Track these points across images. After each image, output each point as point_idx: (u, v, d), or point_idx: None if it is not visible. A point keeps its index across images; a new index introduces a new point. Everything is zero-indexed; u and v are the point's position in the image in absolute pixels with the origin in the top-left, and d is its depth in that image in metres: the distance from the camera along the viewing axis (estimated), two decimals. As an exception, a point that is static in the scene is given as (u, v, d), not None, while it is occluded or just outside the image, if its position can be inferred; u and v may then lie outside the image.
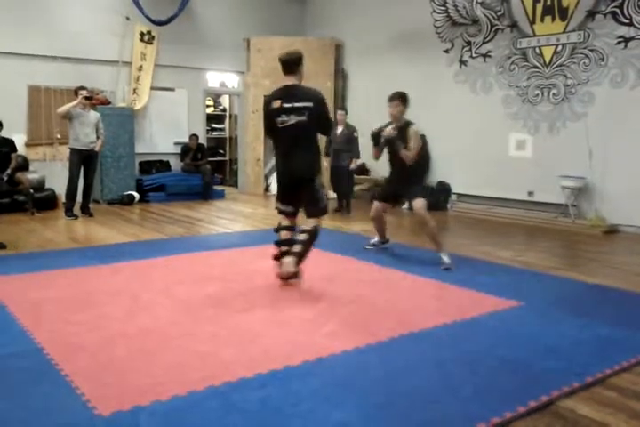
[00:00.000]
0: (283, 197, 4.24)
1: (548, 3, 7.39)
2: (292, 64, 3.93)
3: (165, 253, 5.25)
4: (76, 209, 7.39)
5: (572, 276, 4.64)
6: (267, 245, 5.72)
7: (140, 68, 9.31)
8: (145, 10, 8.73)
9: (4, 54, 8.06)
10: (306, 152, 4.01)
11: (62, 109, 7.16)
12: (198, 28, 9.86)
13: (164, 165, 9.70)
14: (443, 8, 8.67)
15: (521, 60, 7.78)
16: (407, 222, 7.72)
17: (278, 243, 4.20)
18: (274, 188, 10.11)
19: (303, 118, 3.88)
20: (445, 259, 4.79)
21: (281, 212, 4.26)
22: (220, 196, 9.77)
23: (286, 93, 3.97)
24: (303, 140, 3.98)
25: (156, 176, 9.34)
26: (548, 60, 7.50)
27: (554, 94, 7.46)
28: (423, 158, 5.36)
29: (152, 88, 9.45)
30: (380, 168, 9.69)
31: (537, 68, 7.61)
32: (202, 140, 10.04)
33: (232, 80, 10.72)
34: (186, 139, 9.68)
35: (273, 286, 4.20)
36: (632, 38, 6.67)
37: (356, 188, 9.25)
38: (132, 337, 3.11)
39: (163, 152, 9.76)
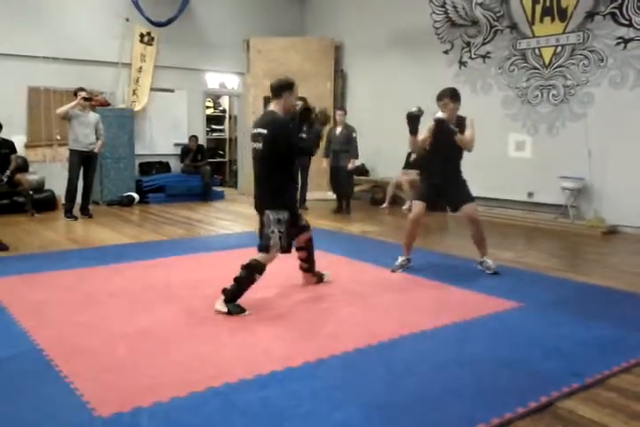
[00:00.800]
0: None
1: (548, 4, 7.39)
2: (273, 89, 3.75)
3: (165, 254, 5.25)
4: (76, 210, 7.39)
5: (571, 277, 4.64)
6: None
7: (140, 70, 9.31)
8: (144, 11, 8.75)
9: (4, 55, 8.06)
10: (263, 182, 3.76)
11: (61, 110, 7.18)
12: (198, 30, 9.87)
13: (164, 167, 9.70)
14: (442, 9, 8.68)
15: (520, 61, 7.79)
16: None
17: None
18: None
19: (259, 146, 3.68)
20: (491, 263, 4.69)
21: None
22: (220, 197, 9.78)
23: (258, 119, 3.89)
24: (261, 169, 3.75)
25: (156, 177, 9.34)
26: (547, 61, 7.50)
27: (553, 95, 7.47)
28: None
29: (152, 89, 9.45)
30: (380, 169, 9.73)
31: (536, 68, 7.62)
32: (201, 141, 10.05)
33: (232, 81, 10.72)
34: (186, 140, 9.68)
35: (272, 287, 4.20)
36: (631, 39, 6.68)
37: (356, 189, 9.25)
38: (132, 338, 3.11)
39: (162, 153, 9.76)
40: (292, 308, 3.71)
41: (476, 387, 2.55)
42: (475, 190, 8.25)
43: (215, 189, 9.93)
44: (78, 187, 7.36)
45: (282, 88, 3.72)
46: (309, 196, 8.66)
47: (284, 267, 4.91)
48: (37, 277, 4.37)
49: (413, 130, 4.47)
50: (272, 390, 2.49)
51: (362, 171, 9.55)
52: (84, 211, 7.48)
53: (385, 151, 9.50)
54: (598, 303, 3.95)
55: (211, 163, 10.18)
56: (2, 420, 2.25)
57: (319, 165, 8.56)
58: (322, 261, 5.15)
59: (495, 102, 8.09)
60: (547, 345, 3.08)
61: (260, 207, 3.79)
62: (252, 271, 3.62)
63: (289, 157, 3.72)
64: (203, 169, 9.41)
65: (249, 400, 2.39)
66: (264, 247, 3.73)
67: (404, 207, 8.64)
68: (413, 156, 8.88)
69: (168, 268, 4.78)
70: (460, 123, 4.62)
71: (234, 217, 7.85)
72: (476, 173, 8.43)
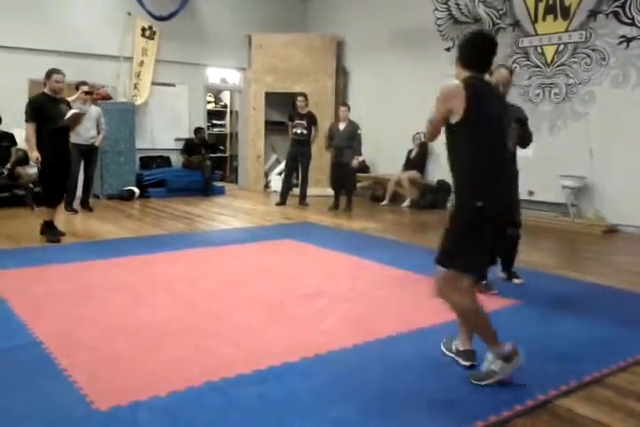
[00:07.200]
0: None
1: (550, 2, 7.37)
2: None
3: (165, 248, 5.24)
4: (76, 204, 7.39)
5: (571, 275, 4.64)
6: (266, 241, 5.76)
7: (142, 64, 9.29)
8: (146, 5, 8.71)
9: (5, 48, 8.03)
10: None
11: (62, 104, 7.15)
12: (200, 24, 9.84)
13: (165, 161, 9.69)
14: (445, 6, 8.65)
15: (522, 59, 7.77)
16: (407, 220, 7.72)
17: None
18: (274, 184, 10.11)
19: None
20: (489, 361, 2.57)
21: None
22: (221, 192, 9.76)
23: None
24: None
25: (157, 172, 9.33)
26: (549, 60, 7.49)
27: (555, 94, 7.46)
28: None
29: (153, 83, 9.42)
30: (381, 165, 9.73)
31: (538, 67, 7.60)
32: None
33: (233, 76, 10.70)
34: (186, 134, 9.69)
35: (272, 282, 4.20)
36: (634, 38, 6.66)
37: (357, 185, 9.24)
38: (130, 332, 3.11)
39: (163, 148, 9.75)
40: (290, 303, 3.71)
41: (474, 384, 2.55)
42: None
43: (215, 184, 9.92)
44: (79, 180, 7.36)
45: None
46: (309, 192, 8.64)
47: (280, 262, 4.93)
48: (37, 271, 4.37)
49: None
50: (270, 385, 2.50)
51: (362, 167, 9.53)
52: (85, 204, 7.48)
53: (386, 148, 9.50)
54: (597, 302, 3.95)
55: (211, 158, 10.16)
56: (0, 412, 2.25)
57: (319, 161, 8.55)
58: (322, 257, 5.17)
59: (497, 100, 8.05)
60: (545, 343, 3.09)
61: None
62: None
63: None
64: (204, 164, 9.39)
65: (247, 395, 2.40)
66: None
67: (404, 204, 8.66)
68: (414, 153, 8.89)
69: (168, 262, 4.77)
70: None
71: (234, 212, 7.84)
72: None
